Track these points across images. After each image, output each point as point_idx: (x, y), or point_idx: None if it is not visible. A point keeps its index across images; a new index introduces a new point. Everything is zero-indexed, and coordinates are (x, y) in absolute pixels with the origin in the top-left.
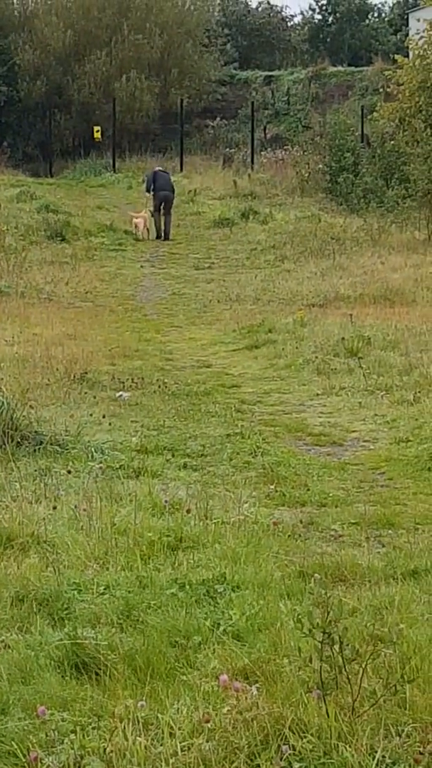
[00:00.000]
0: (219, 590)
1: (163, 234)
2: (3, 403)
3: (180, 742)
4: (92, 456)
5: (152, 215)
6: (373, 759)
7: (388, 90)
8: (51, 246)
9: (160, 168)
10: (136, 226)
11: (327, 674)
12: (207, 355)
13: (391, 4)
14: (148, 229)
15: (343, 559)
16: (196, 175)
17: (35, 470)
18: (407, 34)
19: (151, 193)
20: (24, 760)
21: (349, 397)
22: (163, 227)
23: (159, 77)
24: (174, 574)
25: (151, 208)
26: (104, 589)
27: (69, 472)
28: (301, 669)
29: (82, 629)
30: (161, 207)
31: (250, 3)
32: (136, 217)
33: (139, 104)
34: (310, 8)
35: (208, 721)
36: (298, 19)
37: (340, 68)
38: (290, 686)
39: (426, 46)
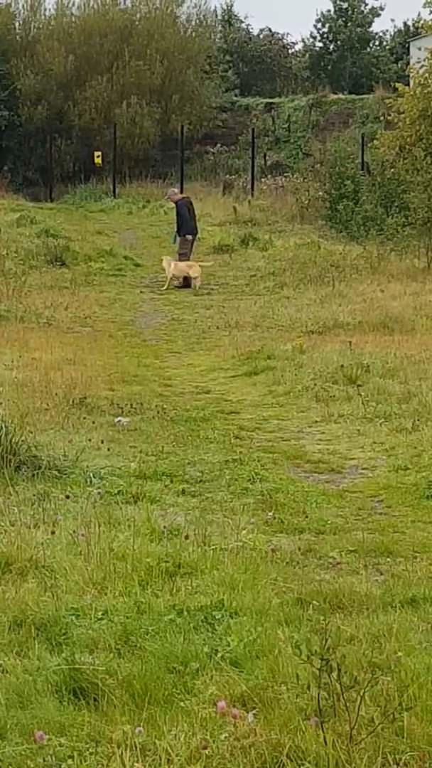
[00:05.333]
0: (217, 617)
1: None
2: (2, 427)
3: None
4: (91, 481)
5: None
6: None
7: (389, 118)
8: (50, 271)
9: (184, 196)
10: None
11: (325, 702)
12: (206, 381)
13: (392, 33)
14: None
15: (342, 587)
16: (196, 201)
17: (34, 495)
18: (408, 63)
19: (182, 236)
20: None
21: (347, 425)
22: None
23: (160, 103)
24: (172, 600)
25: (183, 250)
26: (102, 614)
27: (67, 497)
28: (299, 696)
29: (80, 654)
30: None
31: (251, 30)
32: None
33: (140, 130)
34: (311, 36)
35: (205, 748)
36: (299, 47)
37: (340, 96)
38: (288, 713)
39: (427, 75)
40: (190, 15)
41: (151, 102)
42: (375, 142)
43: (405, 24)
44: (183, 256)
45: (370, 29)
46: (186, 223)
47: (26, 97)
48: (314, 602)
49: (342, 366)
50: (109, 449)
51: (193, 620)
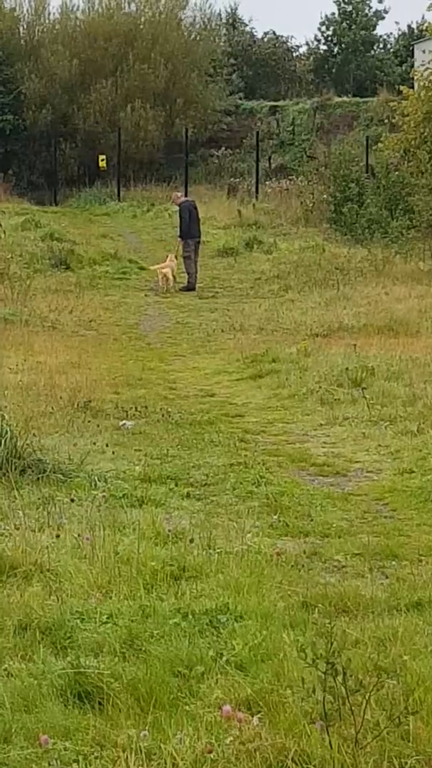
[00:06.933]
0: (222, 620)
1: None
2: (7, 431)
3: None
4: (95, 484)
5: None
6: None
7: (393, 121)
8: (55, 274)
9: (187, 199)
10: (165, 279)
11: (330, 705)
12: (210, 385)
13: (396, 36)
14: (174, 277)
15: (347, 590)
16: (201, 205)
17: (38, 498)
18: (412, 66)
19: (183, 240)
20: None
21: (352, 428)
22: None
23: (164, 107)
24: (177, 603)
25: (186, 253)
26: (107, 618)
27: (72, 500)
28: (304, 700)
29: (85, 658)
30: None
31: (255, 33)
32: (163, 268)
33: (144, 133)
34: (315, 39)
35: (210, 752)
36: (303, 50)
37: (345, 99)
38: (293, 717)
39: (431, 77)
40: (195, 18)
41: (155, 105)
42: (379, 144)
43: (409, 27)
44: (187, 259)
45: (375, 32)
46: (185, 227)
47: (31, 101)
48: (319, 606)
49: (347, 369)
50: (113, 453)
51: (198, 624)
